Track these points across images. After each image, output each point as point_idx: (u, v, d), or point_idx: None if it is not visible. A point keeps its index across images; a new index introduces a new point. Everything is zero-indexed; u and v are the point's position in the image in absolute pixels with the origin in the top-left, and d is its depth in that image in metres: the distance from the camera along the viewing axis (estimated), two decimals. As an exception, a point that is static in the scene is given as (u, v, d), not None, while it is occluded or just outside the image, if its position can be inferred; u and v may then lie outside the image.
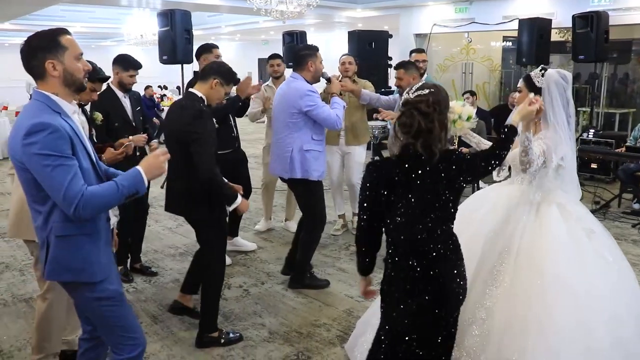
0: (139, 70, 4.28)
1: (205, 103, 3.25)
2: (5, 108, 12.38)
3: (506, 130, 2.33)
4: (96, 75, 3.49)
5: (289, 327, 3.65)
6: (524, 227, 2.72)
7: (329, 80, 4.23)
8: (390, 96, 5.06)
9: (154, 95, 12.41)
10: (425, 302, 2.12)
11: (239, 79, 4.04)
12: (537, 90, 2.76)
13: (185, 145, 3.10)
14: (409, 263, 2.13)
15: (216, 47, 4.60)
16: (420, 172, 2.09)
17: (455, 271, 2.17)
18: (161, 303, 4.02)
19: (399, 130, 2.12)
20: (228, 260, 4.74)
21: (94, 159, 2.19)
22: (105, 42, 21.21)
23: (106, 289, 2.18)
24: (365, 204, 2.19)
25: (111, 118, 4.04)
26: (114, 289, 2.21)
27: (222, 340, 3.39)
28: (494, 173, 3.07)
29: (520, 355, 2.44)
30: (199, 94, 3.24)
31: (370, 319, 2.99)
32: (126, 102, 4.21)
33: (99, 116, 3.89)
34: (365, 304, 3.96)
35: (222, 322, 3.65)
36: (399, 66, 4.69)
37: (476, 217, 2.90)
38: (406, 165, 2.10)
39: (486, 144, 2.96)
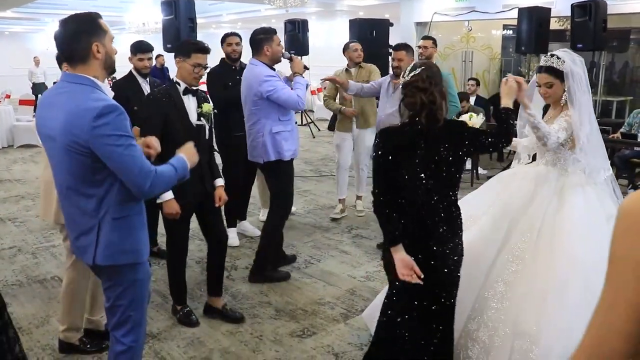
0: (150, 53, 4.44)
1: (180, 85, 3.28)
2: (8, 96, 12.45)
3: (503, 113, 2.50)
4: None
5: (294, 305, 3.81)
6: (546, 209, 2.81)
7: (290, 59, 4.18)
8: (372, 82, 5.02)
9: (164, 65, 12.20)
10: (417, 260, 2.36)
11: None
12: (564, 77, 2.82)
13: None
14: (406, 220, 2.36)
15: (231, 34, 4.81)
16: (424, 137, 2.32)
17: (449, 242, 2.38)
18: (171, 283, 4.17)
19: (405, 111, 2.36)
20: (236, 242, 4.92)
21: None
22: (106, 30, 21.21)
23: (146, 270, 2.29)
24: (379, 170, 2.38)
25: (130, 102, 4.12)
26: (147, 269, 2.31)
27: (178, 315, 3.58)
28: (514, 161, 3.21)
29: (536, 328, 2.53)
30: (175, 79, 3.32)
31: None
32: (146, 88, 4.33)
33: None
34: (367, 284, 4.12)
35: (230, 300, 3.82)
36: (400, 47, 4.70)
37: (501, 195, 3.01)
38: (412, 131, 2.33)
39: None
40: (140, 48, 4.38)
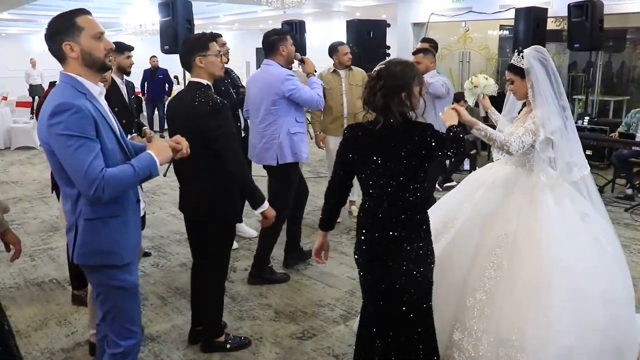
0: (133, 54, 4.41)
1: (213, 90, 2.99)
2: (5, 98, 12.41)
3: (450, 131, 2.41)
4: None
5: (294, 307, 3.80)
6: (519, 211, 2.79)
7: (302, 61, 4.22)
8: None
9: (158, 65, 12.06)
10: (366, 258, 2.38)
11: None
12: (524, 72, 2.85)
13: (207, 142, 2.81)
14: (367, 219, 2.37)
15: (219, 35, 4.71)
16: (379, 137, 2.28)
17: (405, 244, 2.30)
18: (170, 286, 4.16)
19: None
20: (235, 245, 4.90)
21: (122, 139, 2.19)
22: (103, 32, 21.17)
23: (126, 279, 2.21)
24: (338, 161, 2.45)
25: (111, 103, 4.10)
26: (132, 280, 2.24)
27: (229, 346, 3.23)
28: (494, 152, 3.20)
29: (519, 333, 2.53)
30: (204, 82, 2.94)
31: None
32: (123, 89, 4.30)
33: None
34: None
35: (229, 302, 3.80)
36: (417, 51, 5.01)
37: (472, 200, 2.98)
38: (372, 130, 2.30)
39: (500, 120, 3.26)
40: (127, 47, 4.35)
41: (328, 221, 2.60)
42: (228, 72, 4.65)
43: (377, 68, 2.33)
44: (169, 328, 3.53)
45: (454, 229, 2.91)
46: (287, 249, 4.56)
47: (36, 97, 14.32)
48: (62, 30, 2.05)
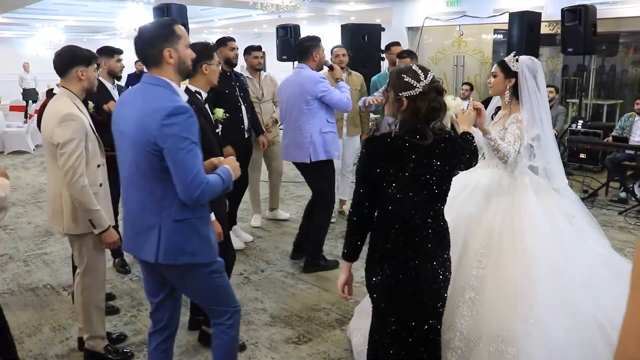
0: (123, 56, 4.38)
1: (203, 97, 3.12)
2: (-2, 102, 12.39)
3: (464, 137, 2.42)
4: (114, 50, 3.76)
5: (289, 311, 3.79)
6: (503, 211, 2.86)
7: (331, 67, 4.48)
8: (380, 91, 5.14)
9: (144, 70, 12.04)
10: (396, 279, 2.18)
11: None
12: (512, 74, 2.95)
13: None
14: (390, 236, 2.18)
15: (232, 39, 4.75)
16: (416, 148, 2.12)
17: (437, 258, 2.21)
18: (165, 290, 4.14)
19: (396, 120, 2.24)
20: (241, 245, 4.98)
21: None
22: (97, 36, 21.14)
23: (218, 262, 2.34)
24: (362, 180, 2.21)
25: (102, 109, 4.06)
26: (220, 261, 2.37)
27: None
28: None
29: (509, 329, 2.56)
30: (193, 89, 3.04)
31: (367, 305, 3.12)
32: (115, 93, 4.25)
33: (90, 104, 3.84)
34: (363, 289, 4.09)
35: (225, 307, 3.79)
36: (405, 55, 4.98)
37: (456, 201, 3.00)
38: (403, 142, 2.13)
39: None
40: (117, 50, 4.32)
41: (356, 250, 2.31)
42: (237, 75, 4.75)
43: (430, 76, 2.16)
44: (164, 333, 3.51)
45: None
46: (297, 243, 4.71)
47: (30, 101, 14.25)
48: (163, 37, 2.17)
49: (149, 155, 2.09)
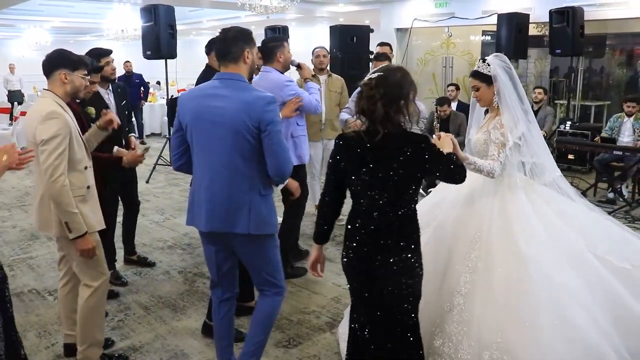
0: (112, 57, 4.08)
1: None
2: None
3: (453, 160, 2.38)
4: (92, 67, 3.48)
5: (279, 314, 3.74)
6: (491, 214, 2.80)
7: (299, 66, 4.24)
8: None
9: (132, 70, 11.78)
10: (359, 282, 2.35)
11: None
12: (491, 79, 2.86)
13: None
14: (354, 227, 2.30)
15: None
16: (372, 147, 2.19)
17: (396, 256, 2.23)
18: (152, 295, 4.09)
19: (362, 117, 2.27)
20: None
21: None
22: (84, 37, 20.97)
23: (277, 239, 2.74)
24: (329, 172, 2.37)
25: (96, 115, 3.95)
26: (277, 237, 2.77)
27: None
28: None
29: (503, 335, 2.53)
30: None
31: None
32: (109, 98, 4.06)
33: (92, 110, 3.74)
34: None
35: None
36: (380, 58, 4.92)
37: (442, 207, 3.00)
38: (363, 140, 2.21)
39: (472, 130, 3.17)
40: (104, 52, 4.01)
41: (322, 234, 2.50)
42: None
43: (372, 75, 2.23)
44: (152, 338, 3.46)
45: (426, 235, 2.88)
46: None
47: (15, 103, 14.07)
48: (245, 39, 2.59)
49: (248, 140, 2.46)
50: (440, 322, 2.73)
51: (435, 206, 3.03)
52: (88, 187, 2.87)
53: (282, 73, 4.01)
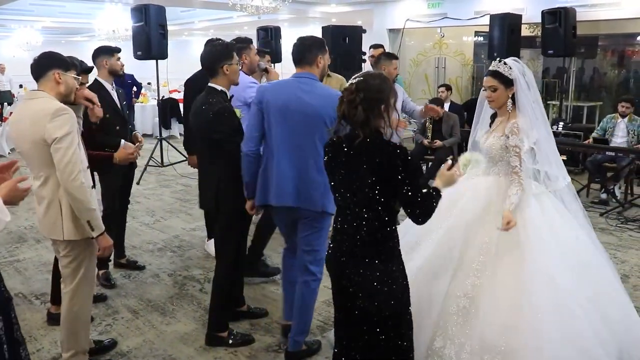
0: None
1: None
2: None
3: (433, 193, 2.30)
4: (82, 67, 3.46)
5: (269, 318, 3.71)
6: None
7: (265, 70, 4.18)
8: None
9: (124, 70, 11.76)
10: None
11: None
12: (511, 83, 2.83)
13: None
14: (335, 233, 2.35)
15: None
16: (349, 151, 2.22)
17: (366, 260, 2.21)
18: (141, 298, 4.03)
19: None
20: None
21: None
22: (75, 38, 20.87)
23: None
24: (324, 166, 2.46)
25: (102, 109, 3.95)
26: None
27: (230, 341, 3.34)
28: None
29: (506, 339, 2.50)
30: (219, 88, 3.14)
31: None
32: (114, 94, 4.13)
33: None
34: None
35: (203, 314, 3.70)
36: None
37: (456, 209, 2.94)
38: (341, 144, 2.26)
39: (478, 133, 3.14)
40: (116, 49, 4.17)
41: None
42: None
43: (352, 81, 2.24)
44: (140, 343, 3.41)
45: (436, 237, 2.87)
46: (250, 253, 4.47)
47: (5, 104, 13.94)
48: (319, 47, 2.99)
49: (323, 128, 2.80)
50: (444, 323, 2.71)
51: (449, 208, 2.92)
52: (93, 187, 2.81)
53: (248, 75, 3.94)
